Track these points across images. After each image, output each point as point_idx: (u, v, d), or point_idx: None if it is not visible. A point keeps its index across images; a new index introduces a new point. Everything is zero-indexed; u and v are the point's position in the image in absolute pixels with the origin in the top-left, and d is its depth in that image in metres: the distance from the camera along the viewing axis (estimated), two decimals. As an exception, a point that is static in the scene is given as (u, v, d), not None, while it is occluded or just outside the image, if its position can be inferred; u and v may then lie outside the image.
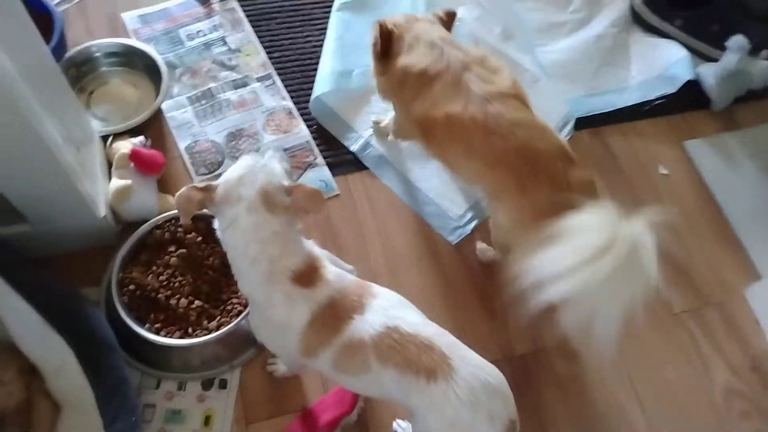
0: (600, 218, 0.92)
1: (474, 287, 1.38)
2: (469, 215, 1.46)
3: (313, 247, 1.03)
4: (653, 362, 1.33)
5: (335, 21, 1.67)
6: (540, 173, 1.06)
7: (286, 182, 0.94)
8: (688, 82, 1.67)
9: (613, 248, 0.90)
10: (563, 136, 1.58)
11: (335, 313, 0.94)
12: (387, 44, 1.21)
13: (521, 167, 1.07)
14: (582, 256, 0.90)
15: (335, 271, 0.99)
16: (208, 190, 0.93)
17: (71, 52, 1.49)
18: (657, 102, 1.68)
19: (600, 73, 1.73)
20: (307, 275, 0.95)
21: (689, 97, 1.68)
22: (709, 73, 1.68)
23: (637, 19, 1.84)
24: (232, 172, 0.94)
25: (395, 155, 1.52)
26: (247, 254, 0.93)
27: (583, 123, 1.63)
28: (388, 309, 0.95)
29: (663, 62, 1.74)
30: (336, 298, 0.95)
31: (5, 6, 1.00)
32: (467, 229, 1.44)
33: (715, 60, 1.70)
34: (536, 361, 1.31)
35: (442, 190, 1.49)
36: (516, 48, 1.74)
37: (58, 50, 1.50)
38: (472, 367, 0.90)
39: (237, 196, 0.91)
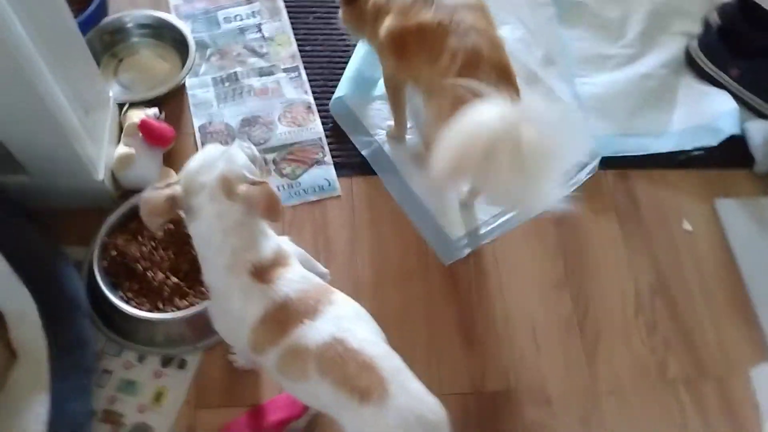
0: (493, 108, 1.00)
1: (458, 313, 1.33)
2: (466, 240, 1.41)
3: (285, 243, 1.01)
4: (633, 425, 1.25)
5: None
6: (477, 75, 1.10)
7: (248, 172, 0.93)
8: (732, 136, 1.56)
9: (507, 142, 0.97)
10: (583, 174, 1.51)
11: (287, 314, 0.91)
12: None
13: (463, 67, 1.12)
14: (472, 137, 0.99)
15: (300, 272, 0.97)
16: (170, 186, 0.91)
17: (107, 19, 1.54)
18: (694, 153, 1.57)
19: (638, 113, 1.64)
20: (268, 271, 0.93)
21: (730, 153, 1.57)
22: (757, 130, 1.57)
23: (690, 62, 1.73)
24: (192, 161, 0.93)
25: (404, 165, 1.49)
26: (210, 243, 0.92)
27: (610, 163, 1.54)
28: (341, 320, 0.92)
29: (709, 112, 1.63)
30: (292, 298, 0.92)
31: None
32: (462, 252, 1.39)
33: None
34: (506, 400, 1.24)
35: (444, 209, 1.44)
36: (555, 75, 1.67)
37: (98, 14, 1.55)
38: (411, 398, 0.86)
39: (199, 185, 0.90)
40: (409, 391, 0.86)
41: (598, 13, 1.81)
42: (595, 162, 1.53)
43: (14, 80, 0.98)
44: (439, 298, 1.34)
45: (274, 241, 0.98)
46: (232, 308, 0.94)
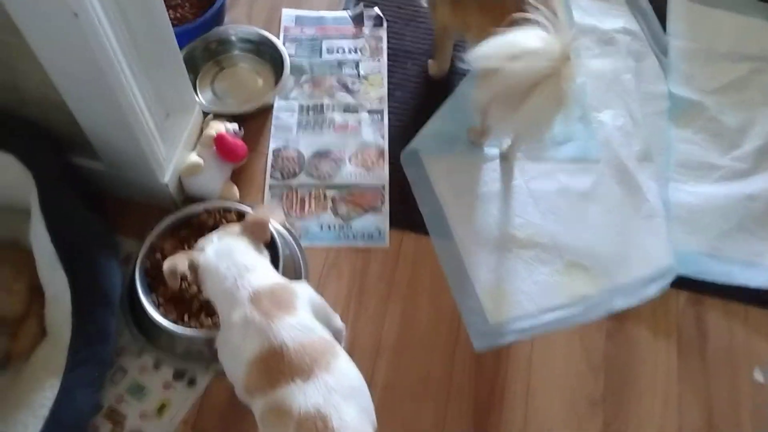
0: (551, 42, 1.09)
1: (475, 405, 1.25)
2: (504, 329, 1.33)
3: (300, 286, 1.02)
4: None
5: (464, 83, 1.62)
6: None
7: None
8: (837, 290, 1.37)
9: (547, 61, 1.08)
10: (653, 288, 1.38)
11: (281, 365, 0.90)
12: None
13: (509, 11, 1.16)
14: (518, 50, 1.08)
15: (304, 321, 0.96)
16: (193, 254, 1.04)
17: (215, 29, 1.62)
18: (787, 296, 1.40)
19: (732, 236, 1.48)
20: (271, 301, 0.95)
21: (830, 307, 1.38)
22: None
23: (807, 194, 1.55)
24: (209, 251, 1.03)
25: (462, 232, 1.44)
26: (219, 270, 0.99)
27: (684, 283, 1.40)
28: (332, 392, 0.88)
29: (816, 255, 1.45)
30: (289, 348, 0.90)
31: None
32: (497, 342, 1.31)
33: None
34: None
35: (490, 289, 1.37)
36: (648, 173, 1.55)
37: (213, 23, 1.63)
38: None
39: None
40: None
41: (716, 118, 1.66)
42: (669, 279, 1.40)
43: (94, 80, 1.03)
44: (459, 383, 1.27)
45: (275, 275, 1.03)
46: (233, 341, 0.96)
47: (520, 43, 1.10)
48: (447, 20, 1.45)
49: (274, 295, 0.96)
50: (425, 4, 1.61)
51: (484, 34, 1.23)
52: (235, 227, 1.08)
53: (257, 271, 1.00)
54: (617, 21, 1.81)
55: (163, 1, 1.18)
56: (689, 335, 1.37)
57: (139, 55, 1.14)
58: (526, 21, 1.13)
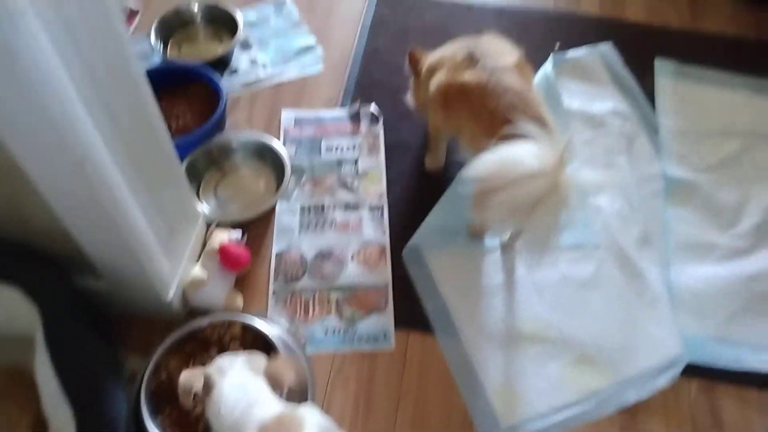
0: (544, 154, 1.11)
1: None
2: (516, 431, 1.31)
3: (309, 412, 1.02)
4: None
5: (458, 178, 1.65)
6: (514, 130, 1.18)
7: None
8: None
9: (544, 178, 1.10)
10: (663, 379, 1.37)
11: None
12: (416, 65, 1.53)
13: (500, 125, 1.22)
14: (516, 171, 1.11)
15: None
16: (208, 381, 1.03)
17: (216, 138, 1.67)
18: (802, 380, 1.38)
19: (738, 319, 1.47)
20: None
21: None
22: None
23: (811, 270, 1.55)
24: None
25: (468, 329, 1.43)
26: (229, 401, 0.99)
27: (695, 371, 1.38)
28: None
29: (827, 335, 1.43)
30: None
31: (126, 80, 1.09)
32: (508, 444, 1.29)
33: None
34: None
35: (501, 389, 1.36)
36: (647, 257, 1.56)
37: (215, 130, 1.69)
38: None
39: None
40: None
41: (711, 196, 1.69)
42: (679, 367, 1.38)
43: (98, 214, 1.06)
44: (472, 490, 1.25)
45: (290, 407, 1.02)
46: None
47: (516, 165, 1.11)
48: (440, 124, 1.50)
49: (282, 426, 0.96)
50: (411, 107, 1.67)
51: (476, 143, 1.28)
52: (259, 360, 1.08)
53: (265, 402, 1.00)
54: (606, 103, 1.86)
55: (162, 121, 1.22)
56: (704, 426, 1.34)
57: (141, 179, 1.17)
58: (518, 135, 1.16)
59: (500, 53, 1.40)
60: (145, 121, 1.16)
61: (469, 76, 1.34)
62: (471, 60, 1.36)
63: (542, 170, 1.10)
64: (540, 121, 1.25)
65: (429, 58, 1.50)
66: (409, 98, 1.66)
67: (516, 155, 1.13)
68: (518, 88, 1.31)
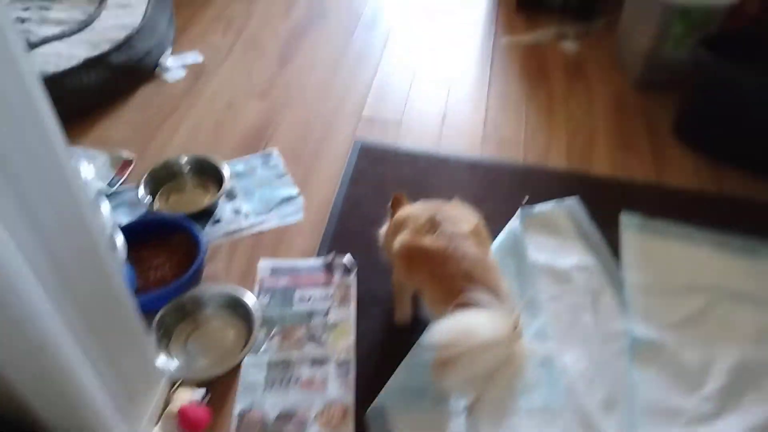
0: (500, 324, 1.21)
1: None
2: None
3: None
4: None
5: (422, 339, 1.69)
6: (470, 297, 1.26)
7: None
8: None
9: (499, 348, 1.20)
10: None
11: None
12: (396, 210, 1.62)
13: (459, 287, 1.30)
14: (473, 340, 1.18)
15: None
16: None
17: (189, 292, 1.73)
18: None
19: (708, 496, 1.44)
20: None
21: None
22: None
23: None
24: None
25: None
26: None
27: None
28: None
29: None
30: None
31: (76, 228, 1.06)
32: None
33: None
34: None
35: None
36: (613, 425, 1.55)
37: (191, 283, 1.75)
38: None
39: None
40: None
41: (676, 355, 1.70)
42: None
43: (37, 365, 1.02)
44: None
45: None
46: None
47: (471, 335, 1.18)
48: (403, 279, 1.57)
49: None
50: (380, 243, 1.73)
51: (435, 306, 1.34)
52: None
53: None
54: (571, 258, 1.93)
55: (127, 292, 1.27)
56: None
57: (98, 345, 1.17)
58: (473, 303, 1.24)
59: (459, 220, 1.49)
60: (106, 290, 1.21)
61: (429, 241, 1.43)
62: (432, 224, 1.46)
63: (497, 341, 1.18)
64: (495, 289, 1.32)
65: (399, 212, 1.60)
66: (381, 235, 1.72)
67: (471, 325, 1.21)
68: (475, 255, 1.39)
